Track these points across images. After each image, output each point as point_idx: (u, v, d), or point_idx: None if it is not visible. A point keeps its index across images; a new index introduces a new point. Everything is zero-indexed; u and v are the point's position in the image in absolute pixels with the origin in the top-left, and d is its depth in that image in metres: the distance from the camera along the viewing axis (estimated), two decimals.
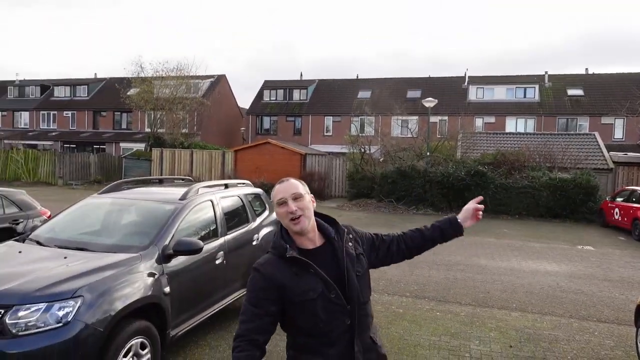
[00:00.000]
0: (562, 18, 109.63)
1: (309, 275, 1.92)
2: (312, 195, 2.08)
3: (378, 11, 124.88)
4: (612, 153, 20.05)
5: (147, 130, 32.22)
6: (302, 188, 2.01)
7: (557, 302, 6.73)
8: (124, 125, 38.06)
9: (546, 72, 33.83)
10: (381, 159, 20.88)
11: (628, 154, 21.16)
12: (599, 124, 29.44)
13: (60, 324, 3.13)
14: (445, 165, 18.05)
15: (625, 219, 13.49)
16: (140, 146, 32.26)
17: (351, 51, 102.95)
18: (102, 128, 38.36)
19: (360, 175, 19.93)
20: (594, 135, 21.68)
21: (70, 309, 3.19)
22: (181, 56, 44.78)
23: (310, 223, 1.98)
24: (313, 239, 2.01)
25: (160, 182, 6.56)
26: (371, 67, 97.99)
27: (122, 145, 35.13)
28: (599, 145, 20.30)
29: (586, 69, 34.95)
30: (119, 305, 3.42)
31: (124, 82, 31.38)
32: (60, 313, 3.16)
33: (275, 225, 6.61)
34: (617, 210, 14.16)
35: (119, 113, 37.78)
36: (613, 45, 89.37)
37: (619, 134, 29.75)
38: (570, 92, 32.07)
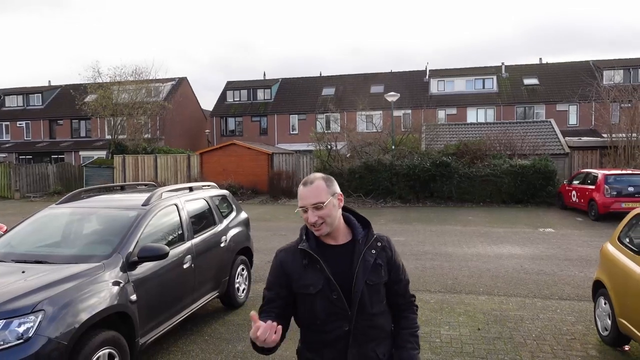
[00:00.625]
0: (513, 10, 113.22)
1: (315, 270, 1.93)
2: (339, 193, 1.99)
3: (334, 8, 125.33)
4: (567, 138, 20.89)
5: (108, 137, 31.34)
6: (325, 193, 1.92)
7: (522, 283, 6.98)
8: (82, 133, 36.85)
9: (503, 63, 34.87)
10: (348, 155, 21.04)
11: (582, 138, 22.09)
12: (554, 111, 30.60)
13: (21, 340, 3.02)
14: (411, 157, 18.35)
15: (582, 201, 14.09)
16: (101, 154, 31.31)
17: (311, 49, 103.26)
18: (59, 137, 37.01)
19: (328, 171, 19.95)
20: (550, 122, 22.52)
21: (31, 324, 3.08)
22: (139, 59, 43.57)
23: (332, 227, 1.94)
24: (336, 237, 2.00)
25: (122, 188, 6.41)
26: (332, 64, 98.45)
27: (82, 153, 34.02)
28: (555, 132, 21.11)
29: (540, 58, 36.16)
30: (84, 316, 3.33)
31: (80, 89, 30.35)
32: (21, 329, 3.05)
33: (244, 226, 6.58)
34: (574, 192, 14.77)
35: (77, 121, 36.54)
36: (562, 35, 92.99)
37: (573, 120, 31.01)
38: (527, 81, 33.19)
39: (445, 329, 5.16)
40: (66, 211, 4.91)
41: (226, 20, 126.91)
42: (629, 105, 19.25)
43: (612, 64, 31.22)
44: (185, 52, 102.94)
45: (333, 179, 2.03)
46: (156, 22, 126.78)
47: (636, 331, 3.95)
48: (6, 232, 4.92)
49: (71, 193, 5.30)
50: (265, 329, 1.74)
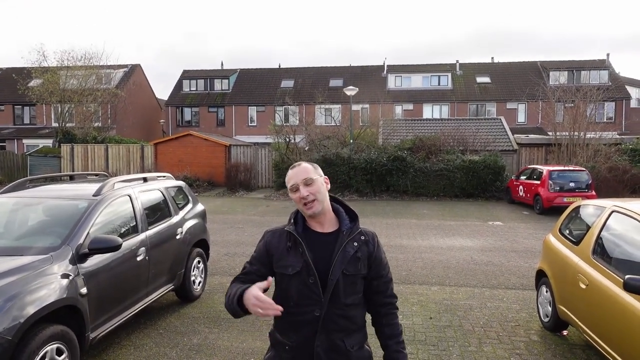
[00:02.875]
0: (466, 11, 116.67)
1: (297, 253, 1.98)
2: (325, 177, 2.08)
3: (290, 2, 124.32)
4: (516, 135, 21.85)
5: (55, 125, 29.74)
6: (313, 172, 2.02)
7: (471, 274, 7.28)
8: (26, 120, 34.86)
9: (457, 61, 35.93)
10: (306, 148, 21.07)
11: (530, 136, 23.18)
12: (504, 109, 31.92)
13: None
14: (368, 151, 18.63)
15: (528, 195, 14.83)
16: (48, 142, 29.73)
17: (266, 42, 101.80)
18: (0, 124, 34.85)
19: (286, 164, 19.92)
20: (500, 119, 23.47)
21: None
22: (87, 44, 41.43)
23: (323, 206, 2.01)
24: (323, 223, 2.04)
25: (72, 178, 6.15)
26: (287, 58, 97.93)
27: (26, 142, 32.21)
28: (504, 129, 22.03)
29: (492, 57, 37.55)
30: (29, 310, 3.19)
31: (24, 73, 28.64)
32: None
33: (200, 218, 6.48)
34: (521, 187, 15.51)
35: (20, 107, 34.53)
36: (512, 35, 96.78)
37: (521, 118, 32.47)
38: (479, 79, 34.40)
39: (399, 319, 5.30)
40: (9, 201, 4.66)
41: (175, 7, 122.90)
42: (572, 105, 20.37)
43: (558, 66, 32.88)
44: (132, 39, 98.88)
45: (317, 165, 2.11)
46: (100, 5, 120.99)
47: (573, 317, 4.23)
48: None
49: (15, 182, 5.04)
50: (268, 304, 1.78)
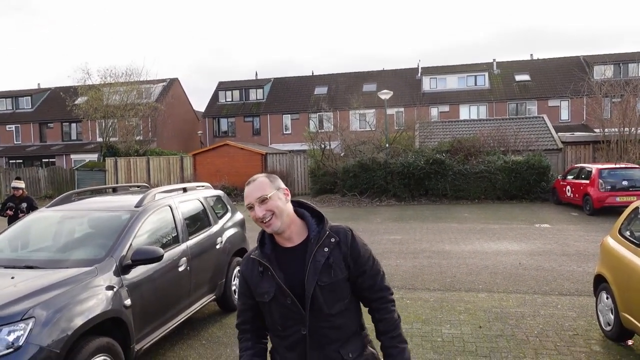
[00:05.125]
0: (501, 9, 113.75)
1: (268, 277, 1.91)
2: (285, 188, 1.95)
3: (318, 11, 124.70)
4: (560, 134, 20.96)
5: (99, 139, 31.03)
6: (269, 187, 1.89)
7: (521, 279, 6.93)
8: (73, 136, 36.48)
9: (494, 60, 34.98)
10: (342, 154, 20.95)
11: (575, 133, 22.19)
12: (546, 107, 30.74)
13: (11, 349, 2.91)
14: (405, 155, 18.30)
15: (577, 196, 14.12)
16: (93, 157, 31.03)
17: (296, 52, 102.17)
18: (50, 140, 36.62)
19: (322, 171, 19.92)
20: (543, 117, 22.59)
21: (21, 332, 2.97)
22: (128, 61, 43.18)
23: (283, 222, 1.88)
24: (290, 237, 1.93)
25: (114, 190, 6.28)
26: (317, 65, 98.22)
27: (73, 157, 33.66)
28: (547, 127, 21.17)
29: (531, 54, 36.44)
30: (76, 323, 3.21)
31: (71, 91, 30.03)
32: (10, 337, 2.94)
33: (239, 227, 6.47)
34: (568, 187, 14.80)
35: (68, 124, 36.18)
36: (549, 32, 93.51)
37: (565, 115, 31.17)
38: (518, 77, 33.32)
39: (447, 328, 5.09)
40: (57, 214, 4.78)
41: (203, 25, 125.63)
42: (620, 100, 19.34)
43: (603, 59, 31.36)
44: (165, 57, 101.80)
45: (276, 176, 1.99)
46: (133, 26, 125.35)
47: None
48: None
49: (62, 195, 5.17)
50: None
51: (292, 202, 1.99)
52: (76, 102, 29.21)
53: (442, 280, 7.04)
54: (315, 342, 1.88)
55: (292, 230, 1.93)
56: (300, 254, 1.91)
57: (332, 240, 1.91)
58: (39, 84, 41.62)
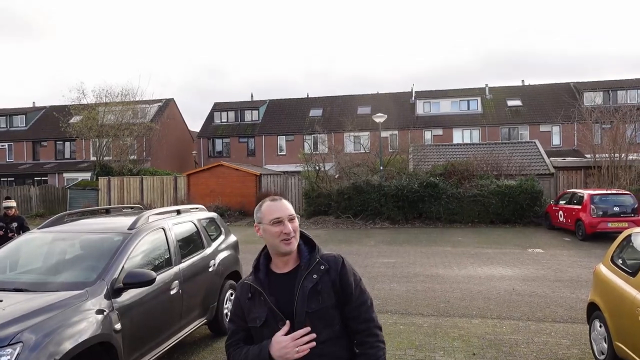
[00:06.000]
0: (492, 36, 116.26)
1: (260, 302, 1.95)
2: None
3: (307, 33, 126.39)
4: (552, 159, 21.19)
5: (93, 158, 30.89)
6: (292, 209, 2.01)
7: (514, 305, 6.91)
8: (67, 155, 36.34)
9: (486, 85, 35.57)
10: (336, 176, 21.02)
11: (566, 159, 22.46)
12: (537, 132, 31.15)
13: None
14: (399, 178, 18.39)
15: (569, 221, 14.20)
16: (86, 176, 30.85)
17: (291, 74, 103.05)
18: (42, 159, 36.45)
19: (317, 192, 19.93)
20: (535, 142, 22.86)
21: (8, 357, 2.91)
22: (124, 81, 43.44)
23: (296, 244, 1.98)
24: (288, 262, 1.99)
25: (107, 212, 6.25)
26: (312, 87, 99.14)
27: (66, 175, 33.47)
28: (539, 152, 21.41)
29: (522, 80, 37.06)
30: (65, 347, 3.16)
31: (65, 110, 30.05)
32: None
33: (232, 249, 6.43)
34: (561, 212, 14.89)
35: (61, 142, 36.08)
36: (540, 58, 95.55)
37: (556, 140, 31.57)
38: (510, 102, 33.84)
39: (440, 355, 5.04)
40: (48, 236, 4.74)
41: (195, 45, 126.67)
42: (610, 126, 19.66)
43: (592, 86, 32.01)
44: (158, 75, 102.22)
45: None
46: (128, 44, 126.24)
47: (634, 355, 3.89)
48: None
49: (54, 217, 5.14)
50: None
51: None
52: (71, 121, 29.22)
53: (436, 305, 7.00)
54: None
55: (292, 255, 1.99)
56: (291, 280, 1.94)
57: (322, 267, 1.95)
58: (34, 103, 41.69)
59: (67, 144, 35.90)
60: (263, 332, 1.92)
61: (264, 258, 2.04)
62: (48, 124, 36.88)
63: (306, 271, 1.93)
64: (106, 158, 28.32)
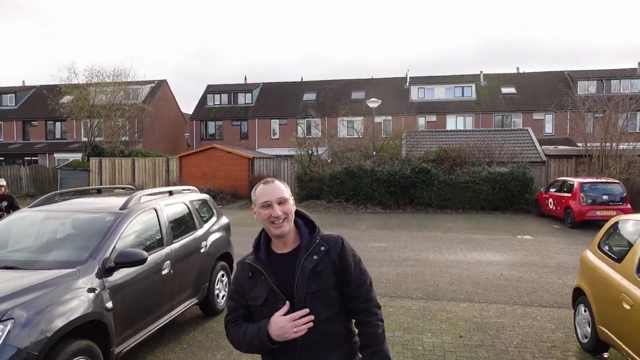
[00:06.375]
0: (488, 22, 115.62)
1: (261, 281, 1.97)
2: (292, 197, 2.05)
3: (303, 18, 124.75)
4: (544, 147, 21.32)
5: (84, 139, 30.58)
6: (286, 192, 1.99)
7: (502, 290, 7.02)
8: (57, 135, 35.93)
9: (481, 72, 35.50)
10: (329, 160, 21.02)
11: (558, 147, 22.59)
12: (531, 120, 31.25)
13: None
14: (391, 163, 18.44)
15: (559, 208, 14.36)
16: (77, 156, 30.58)
17: (283, 57, 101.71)
18: (33, 139, 36.02)
19: (309, 176, 19.95)
20: (528, 130, 22.97)
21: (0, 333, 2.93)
22: (117, 62, 42.80)
23: (290, 226, 1.98)
24: (287, 243, 2.01)
25: (99, 192, 6.22)
26: (306, 71, 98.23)
27: (57, 156, 33.14)
28: (532, 140, 21.53)
29: (517, 68, 36.96)
30: (56, 325, 3.18)
31: (56, 90, 29.60)
32: None
33: (224, 231, 6.45)
34: (551, 200, 15.05)
35: (52, 122, 35.63)
36: (536, 46, 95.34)
37: (549, 128, 31.72)
38: (504, 90, 33.85)
39: (428, 337, 5.13)
40: (39, 215, 4.72)
41: (188, 28, 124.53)
42: (602, 115, 19.78)
43: (586, 75, 32.09)
44: (150, 56, 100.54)
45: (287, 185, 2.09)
46: (121, 25, 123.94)
47: (616, 339, 3.99)
48: None
49: (45, 196, 5.11)
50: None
51: None
52: (62, 101, 28.82)
53: (425, 289, 7.10)
54: (305, 347, 1.92)
55: (290, 236, 2.01)
56: (292, 260, 1.97)
57: (322, 248, 1.97)
58: (23, 82, 41.01)
59: (58, 124, 35.46)
60: (263, 310, 1.95)
61: (265, 238, 2.06)
62: (38, 103, 36.34)
63: (306, 252, 1.95)
64: (97, 139, 28.07)
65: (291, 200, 2.00)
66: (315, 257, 1.95)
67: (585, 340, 4.67)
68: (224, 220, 6.65)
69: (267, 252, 2.02)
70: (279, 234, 1.95)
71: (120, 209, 4.50)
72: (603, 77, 31.52)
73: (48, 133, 36.11)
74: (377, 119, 24.78)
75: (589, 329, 4.57)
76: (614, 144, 18.19)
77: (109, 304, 3.72)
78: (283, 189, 1.99)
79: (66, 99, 29.02)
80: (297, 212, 2.07)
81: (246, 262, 2.04)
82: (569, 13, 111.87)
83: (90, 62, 38.95)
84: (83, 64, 64.91)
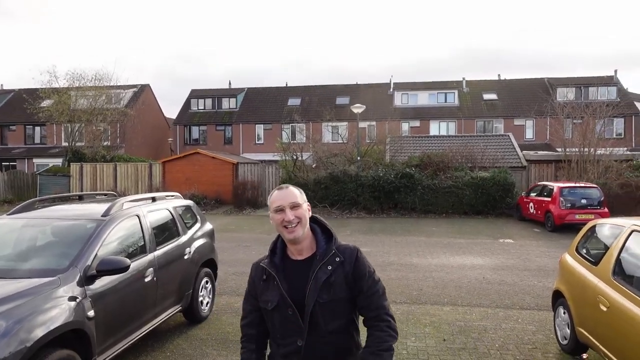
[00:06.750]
0: (469, 30, 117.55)
1: (273, 286, 1.98)
2: (308, 203, 2.06)
3: (289, 24, 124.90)
4: (524, 152, 21.70)
5: (64, 144, 30.05)
6: (299, 197, 2.01)
7: (484, 293, 7.12)
8: (37, 140, 35.26)
9: (464, 78, 36.04)
10: (313, 165, 21.05)
11: (538, 152, 23.01)
12: (512, 126, 31.81)
13: None
14: (376, 169, 18.55)
15: (539, 212, 14.63)
16: (57, 162, 30.01)
17: (268, 62, 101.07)
18: (11, 144, 35.28)
19: (294, 182, 19.91)
20: (509, 136, 23.36)
21: None
22: (99, 66, 42.27)
23: (304, 232, 1.98)
24: (301, 251, 2.02)
25: (80, 198, 6.13)
26: (290, 76, 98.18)
27: (36, 161, 32.53)
28: (513, 145, 21.90)
29: (498, 74, 37.62)
30: (36, 334, 3.12)
31: (35, 94, 29.05)
32: None
33: (208, 237, 6.42)
34: (531, 204, 15.32)
35: (31, 127, 34.96)
36: (516, 53, 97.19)
37: (529, 134, 32.32)
38: (486, 96, 34.40)
39: (412, 341, 5.17)
40: (19, 222, 4.64)
41: (172, 32, 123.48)
42: (581, 121, 20.23)
43: (565, 82, 32.80)
44: (132, 63, 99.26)
45: (302, 191, 2.08)
46: (102, 29, 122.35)
47: (594, 340, 4.08)
48: None
49: (24, 203, 5.02)
50: None
51: None
52: (42, 105, 28.30)
53: (409, 293, 7.16)
54: (309, 355, 1.93)
55: (305, 243, 2.01)
56: (306, 268, 1.97)
57: (337, 259, 1.98)
58: (1, 85, 40.24)
59: (37, 128, 34.82)
60: (274, 315, 1.98)
61: (281, 243, 2.07)
62: (17, 107, 35.62)
63: (321, 262, 1.96)
64: (78, 144, 27.58)
65: (305, 205, 2.01)
66: (330, 267, 1.95)
67: (565, 342, 4.77)
68: (208, 226, 6.61)
69: (282, 257, 2.03)
70: (292, 238, 1.96)
71: (102, 216, 4.45)
72: (581, 84, 32.28)
73: (27, 138, 35.42)
74: (362, 125, 24.93)
75: (568, 331, 4.67)
76: (592, 149, 18.61)
77: (91, 313, 3.67)
78: (296, 194, 2.00)
79: (46, 103, 28.51)
80: (315, 220, 2.08)
81: (260, 265, 2.06)
82: (547, 23, 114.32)
83: (71, 66, 38.31)
84: (64, 67, 63.99)
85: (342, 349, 1.98)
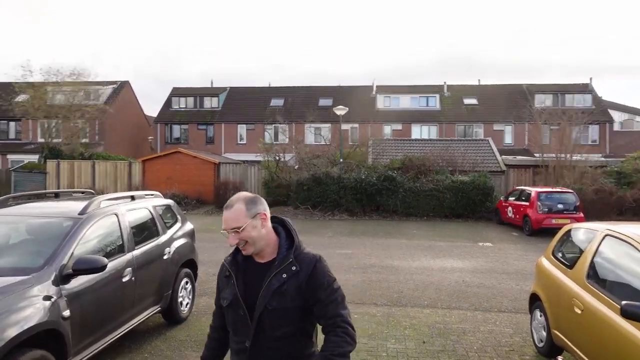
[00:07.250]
0: (451, 36, 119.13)
1: (231, 284, 2.02)
2: (262, 212, 1.97)
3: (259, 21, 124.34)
4: (503, 157, 22.09)
5: (41, 140, 29.33)
6: (243, 216, 1.92)
7: (463, 296, 7.21)
8: (11, 136, 34.31)
9: (445, 83, 36.47)
10: (296, 167, 21.01)
11: (517, 157, 23.46)
12: (491, 130, 32.30)
13: None
14: (358, 171, 18.63)
15: (517, 216, 14.89)
16: (33, 158, 29.25)
17: (250, 62, 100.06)
18: None
19: (276, 183, 19.89)
20: (488, 140, 23.74)
21: None
22: (76, 61, 41.38)
23: (257, 247, 1.98)
24: (262, 255, 2.02)
25: (57, 196, 5.98)
26: (272, 77, 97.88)
27: (10, 157, 31.67)
28: (492, 150, 22.26)
29: (479, 80, 38.25)
30: (9, 334, 3.04)
31: (9, 88, 28.28)
32: None
33: (189, 238, 6.34)
34: (510, 208, 15.58)
35: (5, 122, 33.99)
36: (496, 60, 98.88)
37: (508, 139, 32.88)
38: (466, 101, 34.89)
39: (392, 343, 5.20)
40: None
41: (154, 31, 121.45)
42: (558, 127, 20.70)
43: (543, 89, 33.53)
44: (111, 61, 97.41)
45: (258, 198, 2.01)
46: (78, 25, 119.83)
47: (568, 342, 4.17)
48: None
49: None
50: None
51: (273, 218, 2.06)
52: (17, 100, 27.58)
53: (390, 295, 7.19)
54: (255, 357, 1.96)
55: (266, 250, 2.01)
56: (264, 272, 1.97)
57: (293, 268, 1.95)
58: None
59: (12, 123, 33.89)
60: (228, 312, 2.03)
61: None
62: None
63: (277, 269, 1.95)
64: (55, 140, 26.95)
65: (250, 224, 1.92)
66: (284, 275, 1.94)
67: (541, 344, 4.85)
68: (189, 226, 6.54)
69: (246, 257, 2.04)
70: (245, 255, 2.01)
71: (79, 214, 4.35)
72: (558, 91, 33.02)
73: (1, 133, 34.47)
74: (344, 127, 25.05)
75: (544, 333, 4.75)
76: (568, 155, 19.05)
77: (66, 313, 3.59)
78: (239, 216, 1.92)
79: (22, 97, 27.79)
80: (282, 222, 2.08)
81: (223, 262, 2.11)
82: (522, 30, 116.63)
83: (47, 61, 37.41)
84: (39, 63, 62.49)
85: (286, 354, 1.96)
